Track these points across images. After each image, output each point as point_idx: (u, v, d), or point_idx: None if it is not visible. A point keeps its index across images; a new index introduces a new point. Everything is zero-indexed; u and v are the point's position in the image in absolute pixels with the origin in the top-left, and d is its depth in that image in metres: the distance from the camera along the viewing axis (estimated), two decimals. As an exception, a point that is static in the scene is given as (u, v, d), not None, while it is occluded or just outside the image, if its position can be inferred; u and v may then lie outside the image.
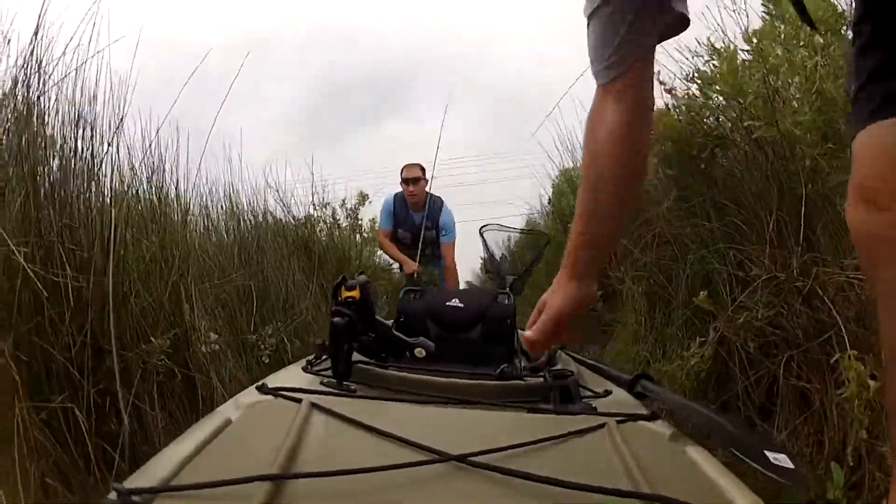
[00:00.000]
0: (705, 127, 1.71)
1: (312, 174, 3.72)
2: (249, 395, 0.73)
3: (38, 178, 1.29)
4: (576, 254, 0.85)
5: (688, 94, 1.82)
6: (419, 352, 1.10)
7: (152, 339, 1.47)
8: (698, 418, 0.70)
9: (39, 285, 1.18)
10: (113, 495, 0.42)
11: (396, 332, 1.10)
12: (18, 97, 1.35)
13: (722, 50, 1.60)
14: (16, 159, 1.27)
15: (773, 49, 1.47)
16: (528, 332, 0.84)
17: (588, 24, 0.78)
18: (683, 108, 1.81)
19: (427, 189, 3.28)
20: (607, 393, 0.92)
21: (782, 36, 1.54)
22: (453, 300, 1.75)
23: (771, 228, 1.49)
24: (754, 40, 1.55)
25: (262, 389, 0.73)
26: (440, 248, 3.30)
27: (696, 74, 1.73)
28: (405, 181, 3.20)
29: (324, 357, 1.01)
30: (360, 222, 4.36)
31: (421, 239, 3.13)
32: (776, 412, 1.38)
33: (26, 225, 1.26)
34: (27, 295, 1.21)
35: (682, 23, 0.81)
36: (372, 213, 4.44)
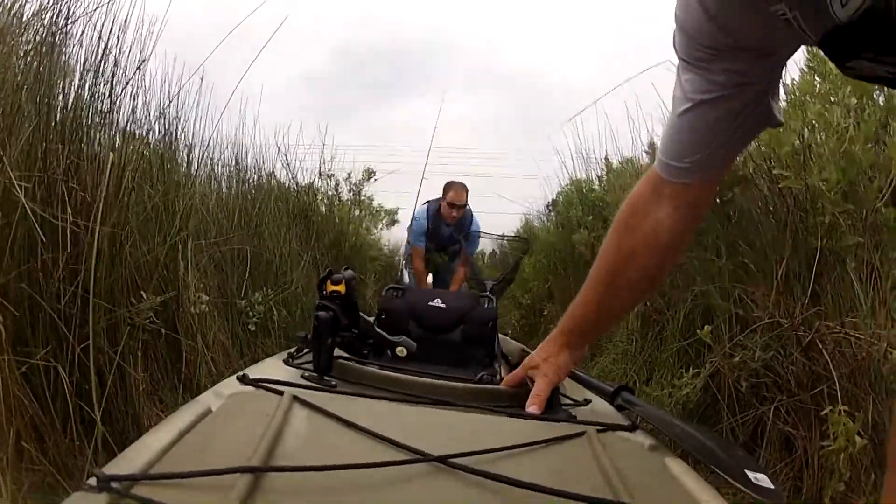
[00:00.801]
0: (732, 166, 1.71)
1: (323, 144, 3.62)
2: (230, 385, 0.73)
3: (52, 108, 1.22)
4: (572, 329, 0.84)
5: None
6: (401, 351, 1.10)
7: (143, 295, 1.43)
8: (679, 433, 0.70)
9: (37, 225, 1.12)
10: (93, 481, 0.42)
11: (378, 330, 1.10)
12: (45, 19, 1.27)
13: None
14: (31, 86, 1.19)
15: (813, 104, 1.46)
16: (529, 409, 0.81)
17: (676, 116, 0.69)
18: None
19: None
20: (587, 402, 0.92)
21: (819, 91, 1.53)
22: (435, 300, 1.74)
23: (780, 275, 1.51)
24: (796, 92, 1.54)
25: (244, 380, 0.73)
26: (459, 258, 3.23)
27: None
28: (451, 205, 3.05)
29: (305, 350, 1.01)
30: (362, 199, 4.26)
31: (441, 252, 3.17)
32: (759, 453, 1.41)
33: (31, 158, 1.19)
34: (22, 235, 1.16)
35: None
36: (376, 191, 4.39)
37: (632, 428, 0.74)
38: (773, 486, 0.56)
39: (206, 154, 2.36)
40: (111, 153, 1.34)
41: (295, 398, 0.65)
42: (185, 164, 1.90)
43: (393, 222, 5.03)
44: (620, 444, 0.68)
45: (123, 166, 1.30)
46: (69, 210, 1.19)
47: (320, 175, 3.69)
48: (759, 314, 1.50)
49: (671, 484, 0.58)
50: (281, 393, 0.67)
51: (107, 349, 1.20)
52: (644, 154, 2.51)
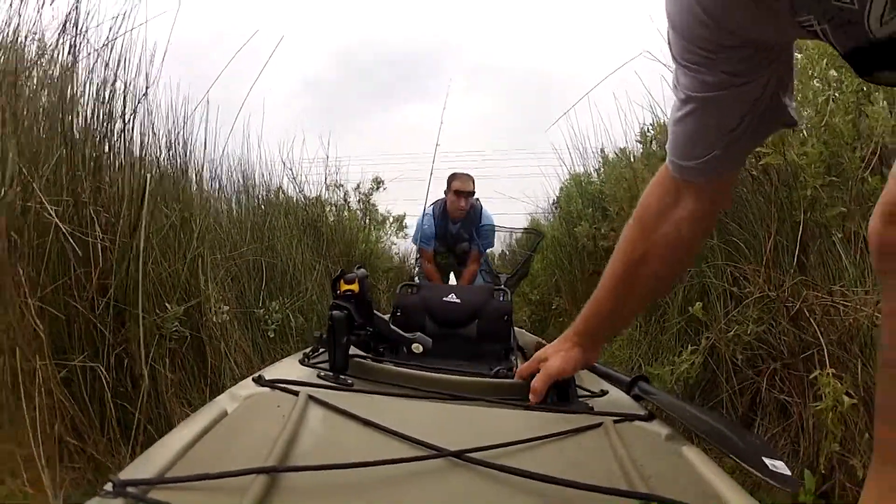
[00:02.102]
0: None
1: (327, 156, 3.67)
2: (246, 386, 0.73)
3: (76, 136, 1.33)
4: (586, 331, 0.84)
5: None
6: (416, 347, 1.09)
7: (167, 305, 1.54)
8: (696, 422, 0.70)
9: (72, 242, 1.23)
10: (109, 487, 0.42)
11: (393, 327, 1.11)
12: (63, 54, 1.39)
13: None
14: (52, 116, 1.31)
15: (809, 79, 1.51)
16: (533, 384, 0.82)
17: (679, 117, 0.68)
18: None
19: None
20: (604, 393, 0.92)
21: (798, 66, 1.58)
22: (450, 296, 1.75)
23: (768, 250, 1.56)
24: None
25: (259, 381, 0.74)
26: (470, 256, 3.06)
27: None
28: (458, 193, 2.90)
29: (321, 350, 1.01)
30: (371, 207, 4.31)
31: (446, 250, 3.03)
32: (757, 421, 1.46)
33: (59, 183, 1.31)
34: (55, 252, 1.26)
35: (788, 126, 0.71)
36: (384, 199, 4.45)
37: (649, 417, 0.74)
38: (789, 473, 0.56)
39: (216, 173, 2.49)
40: (130, 177, 1.46)
41: (311, 398, 0.66)
42: (197, 184, 2.02)
43: (401, 227, 5.06)
44: (638, 433, 0.68)
45: (142, 189, 1.42)
46: (98, 229, 1.30)
47: (327, 187, 3.80)
48: (750, 289, 1.55)
49: (689, 473, 0.58)
50: (297, 393, 0.68)
51: (138, 355, 1.31)
52: (637, 143, 2.57)
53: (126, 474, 0.45)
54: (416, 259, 3.37)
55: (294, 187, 3.37)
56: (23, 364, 1.05)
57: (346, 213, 3.93)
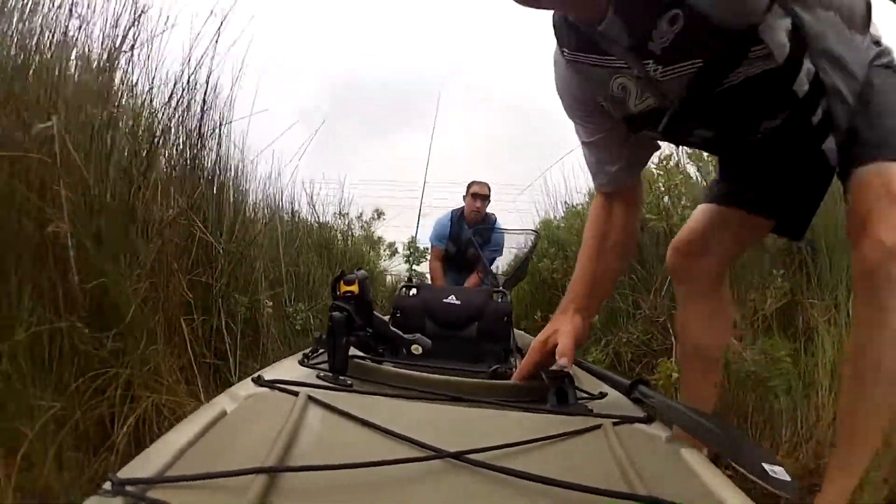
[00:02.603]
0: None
1: (342, 190, 4.14)
2: (245, 386, 0.74)
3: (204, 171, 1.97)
4: (582, 289, 1.02)
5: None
6: (416, 348, 1.11)
7: (235, 296, 2.18)
8: (696, 425, 0.70)
9: (213, 242, 1.86)
10: (108, 486, 0.42)
11: (393, 329, 1.13)
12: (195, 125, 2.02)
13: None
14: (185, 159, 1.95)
15: (677, 173, 2.34)
16: (560, 362, 0.90)
17: (585, 151, 1.03)
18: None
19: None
20: (603, 395, 0.93)
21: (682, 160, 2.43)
22: (450, 297, 1.77)
23: (656, 283, 2.32)
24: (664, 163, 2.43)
25: (259, 381, 0.74)
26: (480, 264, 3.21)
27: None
28: (473, 196, 3.26)
29: (321, 351, 1.03)
30: (371, 233, 4.90)
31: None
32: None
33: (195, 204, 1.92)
34: (196, 254, 1.85)
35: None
36: (384, 227, 4.96)
37: (648, 420, 0.74)
38: (789, 479, 0.57)
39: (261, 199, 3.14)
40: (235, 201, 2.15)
41: (310, 398, 0.66)
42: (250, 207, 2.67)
43: (393, 254, 5.54)
44: (637, 436, 0.68)
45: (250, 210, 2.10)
46: (221, 237, 1.93)
47: (335, 215, 4.19)
48: (643, 310, 2.30)
49: (688, 476, 0.58)
50: (296, 393, 0.68)
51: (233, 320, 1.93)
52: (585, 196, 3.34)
53: (125, 473, 0.44)
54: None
55: (311, 212, 3.76)
56: (177, 315, 1.68)
57: (350, 239, 4.38)
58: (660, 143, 1.09)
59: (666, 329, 2.16)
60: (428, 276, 3.69)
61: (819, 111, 0.86)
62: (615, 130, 0.98)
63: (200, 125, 2.02)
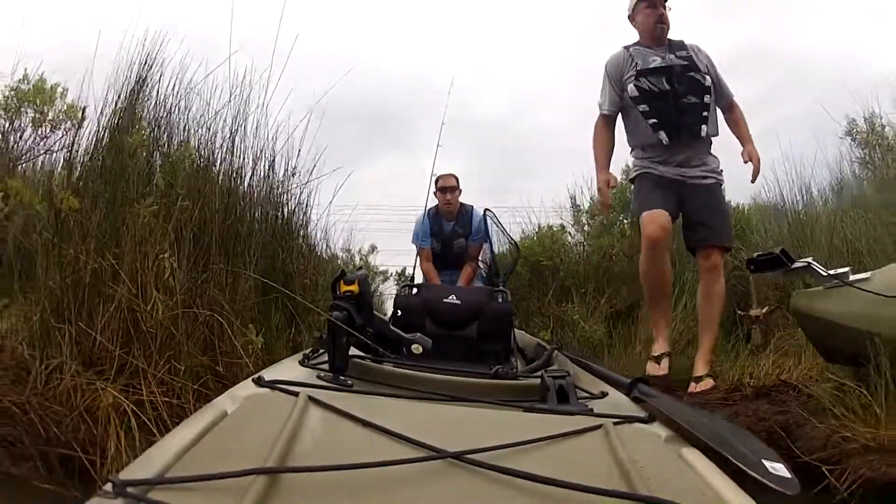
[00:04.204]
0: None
1: (351, 232, 4.19)
2: (246, 387, 0.74)
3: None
4: (604, 163, 2.18)
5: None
6: (416, 348, 1.11)
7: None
8: (696, 424, 0.70)
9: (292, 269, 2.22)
10: (109, 487, 0.42)
11: (393, 328, 1.12)
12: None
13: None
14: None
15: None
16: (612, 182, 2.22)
17: (611, 99, 2.17)
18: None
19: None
20: (603, 395, 0.93)
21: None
22: (450, 297, 1.75)
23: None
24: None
25: (259, 382, 0.74)
26: (467, 254, 3.29)
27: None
28: (441, 190, 3.25)
29: (321, 351, 1.02)
30: (369, 265, 5.27)
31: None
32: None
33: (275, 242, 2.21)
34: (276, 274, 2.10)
35: None
36: (381, 259, 5.39)
37: (649, 420, 0.74)
38: (790, 476, 0.56)
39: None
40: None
41: (310, 398, 0.66)
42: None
43: (386, 279, 5.89)
44: (637, 436, 0.68)
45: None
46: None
47: (340, 250, 4.36)
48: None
49: (689, 475, 0.58)
50: (296, 394, 0.68)
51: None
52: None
53: (126, 474, 0.44)
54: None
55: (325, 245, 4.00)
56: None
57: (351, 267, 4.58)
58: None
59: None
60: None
61: None
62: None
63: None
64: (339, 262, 4.10)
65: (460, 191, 3.33)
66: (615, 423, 0.69)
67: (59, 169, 2.25)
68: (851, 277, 1.32)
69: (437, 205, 3.34)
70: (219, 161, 2.07)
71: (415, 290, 1.87)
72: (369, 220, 5.53)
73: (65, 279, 1.52)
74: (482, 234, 3.17)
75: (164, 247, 1.59)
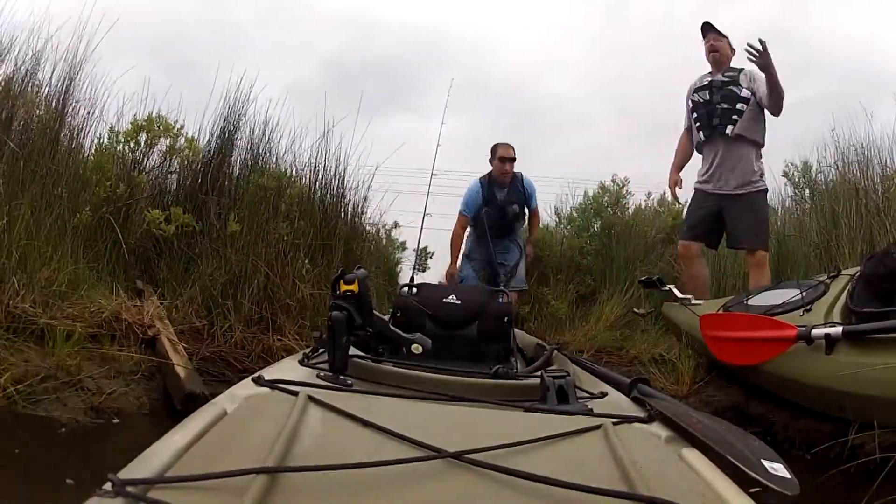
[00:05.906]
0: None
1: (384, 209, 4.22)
2: (246, 386, 0.73)
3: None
4: (678, 166, 2.86)
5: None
6: (416, 348, 1.11)
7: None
8: (696, 424, 0.70)
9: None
10: (108, 486, 0.42)
11: (393, 328, 1.12)
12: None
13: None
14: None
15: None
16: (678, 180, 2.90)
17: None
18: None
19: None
20: (603, 395, 0.93)
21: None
22: (450, 297, 1.75)
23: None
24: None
25: (259, 381, 0.74)
26: (521, 223, 3.45)
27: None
28: (501, 160, 3.31)
29: (321, 350, 1.02)
30: (392, 241, 5.41)
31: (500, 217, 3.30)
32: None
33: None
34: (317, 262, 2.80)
35: None
36: (403, 236, 5.41)
37: (648, 420, 0.74)
38: (789, 476, 0.56)
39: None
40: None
41: (310, 398, 0.66)
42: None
43: (403, 249, 5.82)
44: (637, 435, 0.68)
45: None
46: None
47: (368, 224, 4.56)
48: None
49: (688, 475, 0.58)
50: (296, 393, 0.68)
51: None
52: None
53: (126, 473, 0.44)
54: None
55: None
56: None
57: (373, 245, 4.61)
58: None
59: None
60: (440, 281, 3.84)
61: None
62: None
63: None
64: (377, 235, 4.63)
65: (515, 159, 3.45)
66: (615, 423, 0.69)
67: (172, 189, 2.92)
68: (693, 302, 2.28)
69: (489, 173, 3.43)
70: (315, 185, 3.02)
71: (414, 290, 1.87)
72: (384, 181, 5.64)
73: (225, 271, 2.45)
74: (533, 197, 3.48)
75: (297, 253, 2.59)
